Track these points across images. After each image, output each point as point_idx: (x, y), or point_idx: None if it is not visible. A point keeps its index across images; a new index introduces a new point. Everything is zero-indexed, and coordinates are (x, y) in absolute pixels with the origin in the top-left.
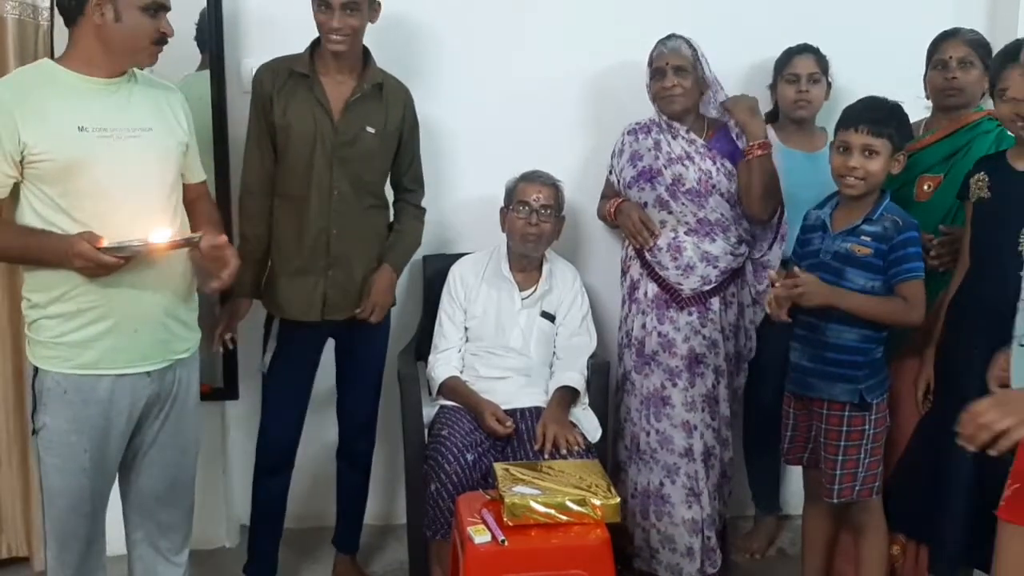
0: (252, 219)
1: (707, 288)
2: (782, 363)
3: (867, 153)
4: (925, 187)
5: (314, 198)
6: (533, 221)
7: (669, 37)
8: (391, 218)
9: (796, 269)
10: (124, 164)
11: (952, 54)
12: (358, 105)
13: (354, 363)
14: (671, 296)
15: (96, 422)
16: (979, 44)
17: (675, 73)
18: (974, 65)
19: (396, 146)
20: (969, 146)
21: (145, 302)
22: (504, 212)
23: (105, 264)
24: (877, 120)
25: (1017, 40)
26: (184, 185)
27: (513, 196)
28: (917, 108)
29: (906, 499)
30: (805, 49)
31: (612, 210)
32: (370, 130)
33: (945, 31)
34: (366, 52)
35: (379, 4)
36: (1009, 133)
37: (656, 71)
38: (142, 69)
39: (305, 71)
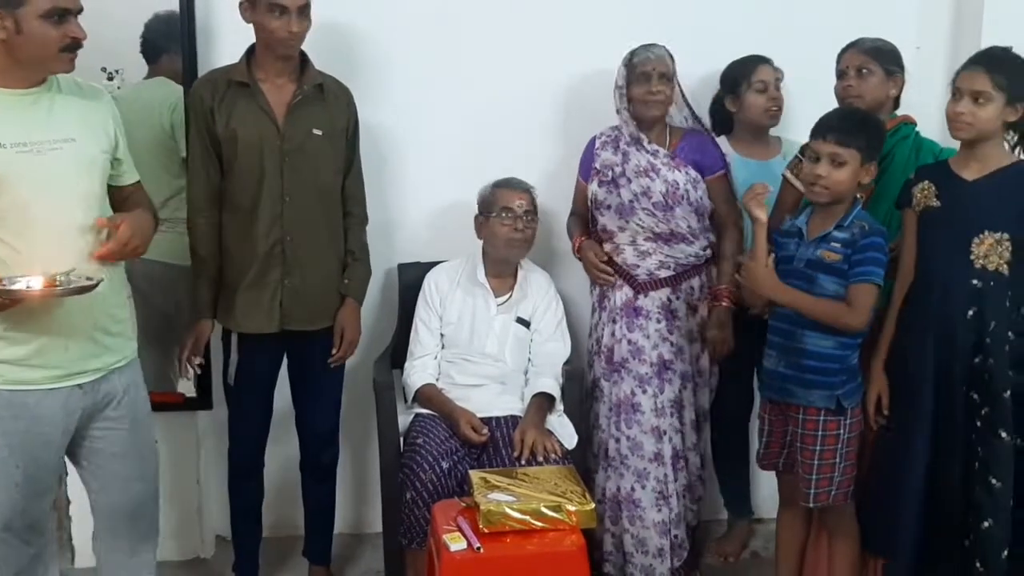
0: (204, 237)
1: (664, 274)
2: (748, 369)
3: (834, 163)
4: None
5: (265, 208)
6: (519, 227)
7: (652, 45)
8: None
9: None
10: (46, 179)
11: (849, 64)
12: (301, 108)
13: (313, 377)
14: (633, 290)
15: (27, 437)
16: (878, 52)
17: (659, 79)
18: (872, 72)
19: (344, 146)
20: (892, 153)
21: (74, 319)
22: (481, 220)
23: None
24: (846, 130)
25: (991, 47)
26: (116, 188)
27: (492, 204)
28: None
29: (866, 514)
30: (766, 60)
31: (575, 249)
32: (317, 132)
33: (848, 44)
34: (302, 54)
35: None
36: (925, 139)
37: (641, 75)
38: (61, 74)
39: (244, 80)
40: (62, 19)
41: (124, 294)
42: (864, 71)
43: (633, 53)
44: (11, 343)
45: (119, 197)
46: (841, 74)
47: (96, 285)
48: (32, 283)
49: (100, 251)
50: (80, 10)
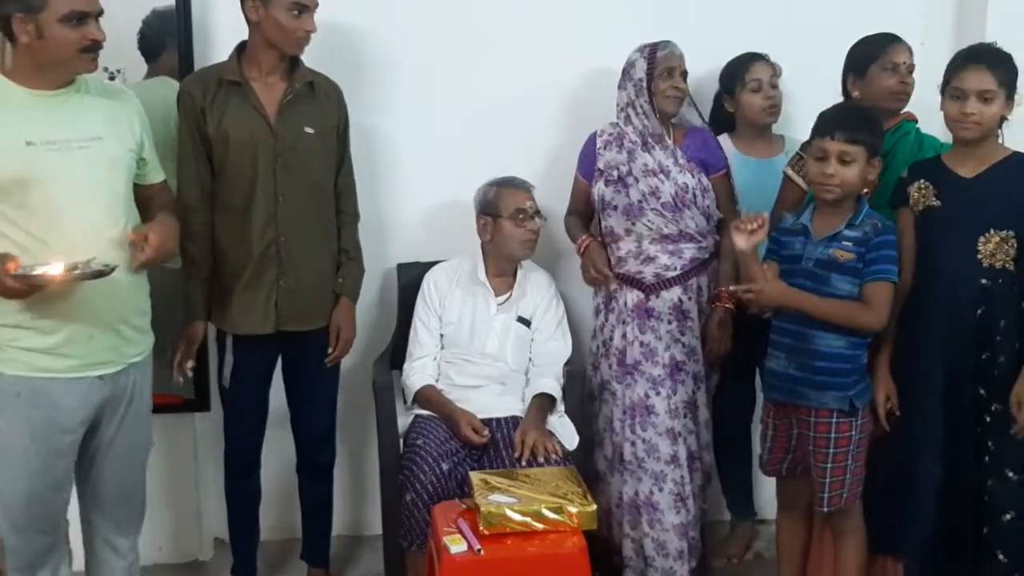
0: (196, 237)
1: (671, 274)
2: (750, 369)
3: (843, 161)
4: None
5: (259, 208)
6: (533, 228)
7: (668, 42)
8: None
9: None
10: (74, 176)
11: (904, 60)
12: (293, 106)
13: (308, 378)
14: (643, 292)
15: (47, 425)
16: (912, 53)
17: (681, 76)
18: (912, 71)
19: (336, 144)
20: (894, 150)
21: (99, 310)
22: (487, 221)
23: (10, 289)
24: (852, 127)
25: (979, 43)
26: (142, 186)
27: (500, 205)
28: None
29: (877, 514)
30: (761, 57)
31: (580, 250)
32: (309, 130)
33: (886, 35)
34: None
35: None
36: (926, 135)
37: (667, 70)
38: (85, 74)
39: (236, 78)
40: (81, 22)
41: (147, 288)
42: (911, 70)
43: (655, 47)
44: (38, 332)
45: (144, 196)
46: (893, 66)
47: (113, 270)
48: (50, 269)
49: (138, 261)
50: (100, 12)
